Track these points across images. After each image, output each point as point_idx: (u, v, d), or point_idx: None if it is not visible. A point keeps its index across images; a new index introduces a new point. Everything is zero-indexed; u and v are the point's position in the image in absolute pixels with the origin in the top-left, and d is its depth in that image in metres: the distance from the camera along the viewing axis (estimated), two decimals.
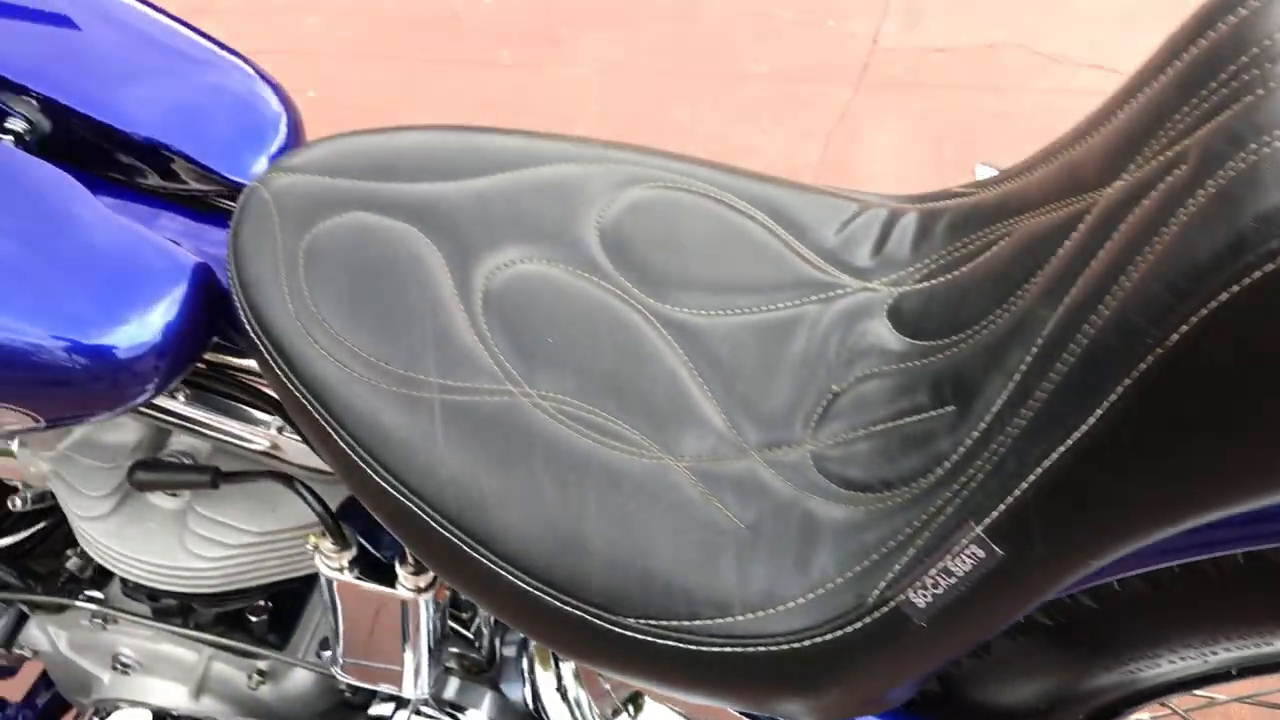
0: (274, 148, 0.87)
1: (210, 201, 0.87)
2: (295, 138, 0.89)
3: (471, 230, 0.78)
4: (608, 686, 0.96)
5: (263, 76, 0.90)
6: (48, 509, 0.98)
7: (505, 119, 2.52)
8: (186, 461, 0.89)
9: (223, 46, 0.92)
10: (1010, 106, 2.31)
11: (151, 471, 0.85)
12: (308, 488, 0.82)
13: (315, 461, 0.87)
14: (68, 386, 0.74)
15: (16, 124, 0.83)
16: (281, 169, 0.79)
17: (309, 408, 0.71)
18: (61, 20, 0.86)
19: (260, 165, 0.86)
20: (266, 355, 0.72)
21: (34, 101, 0.83)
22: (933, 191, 0.85)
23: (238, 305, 0.74)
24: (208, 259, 0.80)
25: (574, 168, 0.82)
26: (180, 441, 0.92)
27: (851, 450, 0.70)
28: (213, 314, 0.79)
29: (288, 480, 0.83)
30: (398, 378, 0.71)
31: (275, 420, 0.86)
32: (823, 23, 2.61)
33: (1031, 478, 0.58)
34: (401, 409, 0.70)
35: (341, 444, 0.70)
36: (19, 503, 0.94)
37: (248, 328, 0.73)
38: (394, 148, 0.82)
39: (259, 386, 0.85)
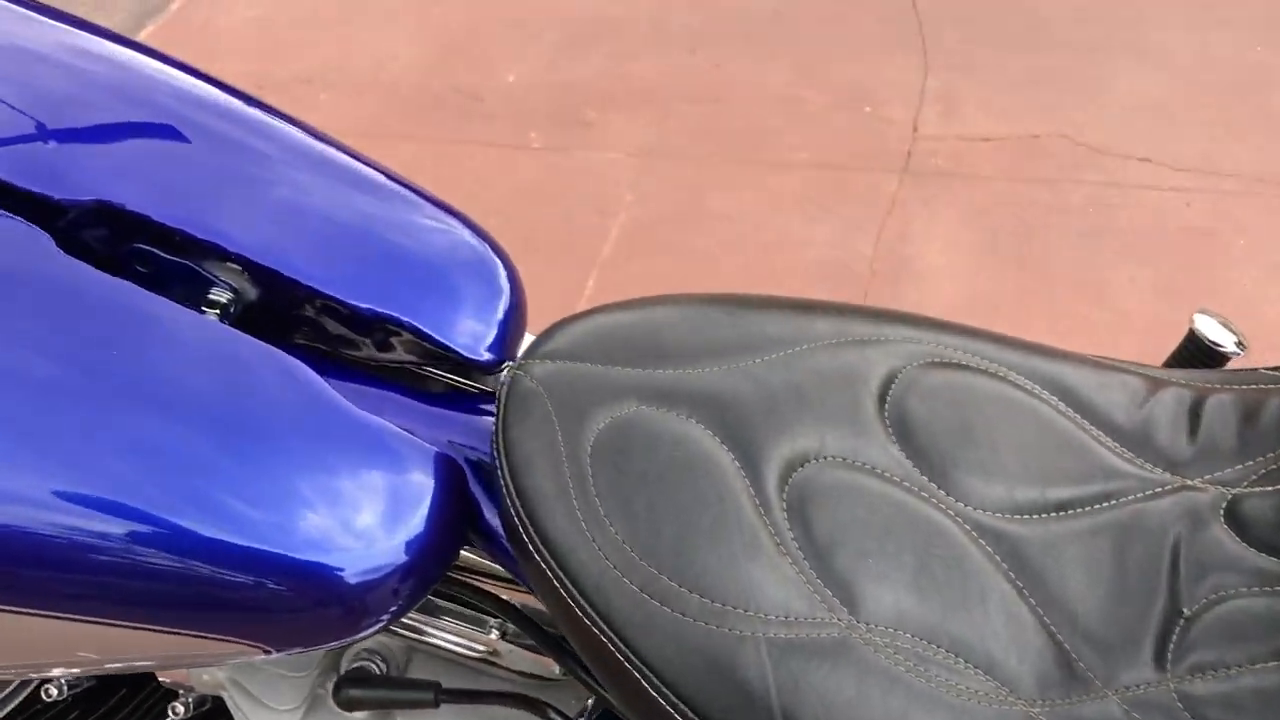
0: (500, 313, 0.77)
1: (424, 373, 0.78)
2: (517, 298, 0.79)
3: (755, 422, 0.69)
4: None
5: (469, 225, 0.81)
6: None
7: (540, 205, 2.44)
8: (381, 667, 0.78)
9: (412, 187, 0.82)
10: (1062, 200, 2.28)
11: (363, 689, 0.74)
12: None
13: (539, 669, 0.77)
14: (300, 615, 0.64)
15: (221, 294, 0.73)
16: (542, 355, 0.70)
17: (610, 647, 0.61)
18: (247, 159, 0.76)
19: (485, 332, 0.76)
20: (556, 582, 0.63)
21: (240, 268, 0.73)
22: (1234, 371, 0.78)
23: (513, 517, 0.64)
24: (444, 448, 0.70)
25: (850, 344, 0.74)
26: (368, 640, 0.81)
27: (1231, 691, 0.62)
28: (462, 520, 0.69)
29: (538, 708, 0.72)
30: (714, 612, 0.61)
31: (495, 622, 0.76)
32: (858, 109, 2.57)
33: None
34: (722, 649, 0.61)
35: (651, 690, 0.60)
36: (180, 710, 0.82)
37: (529, 546, 0.63)
38: (656, 326, 0.73)
39: (478, 585, 0.75)
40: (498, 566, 0.74)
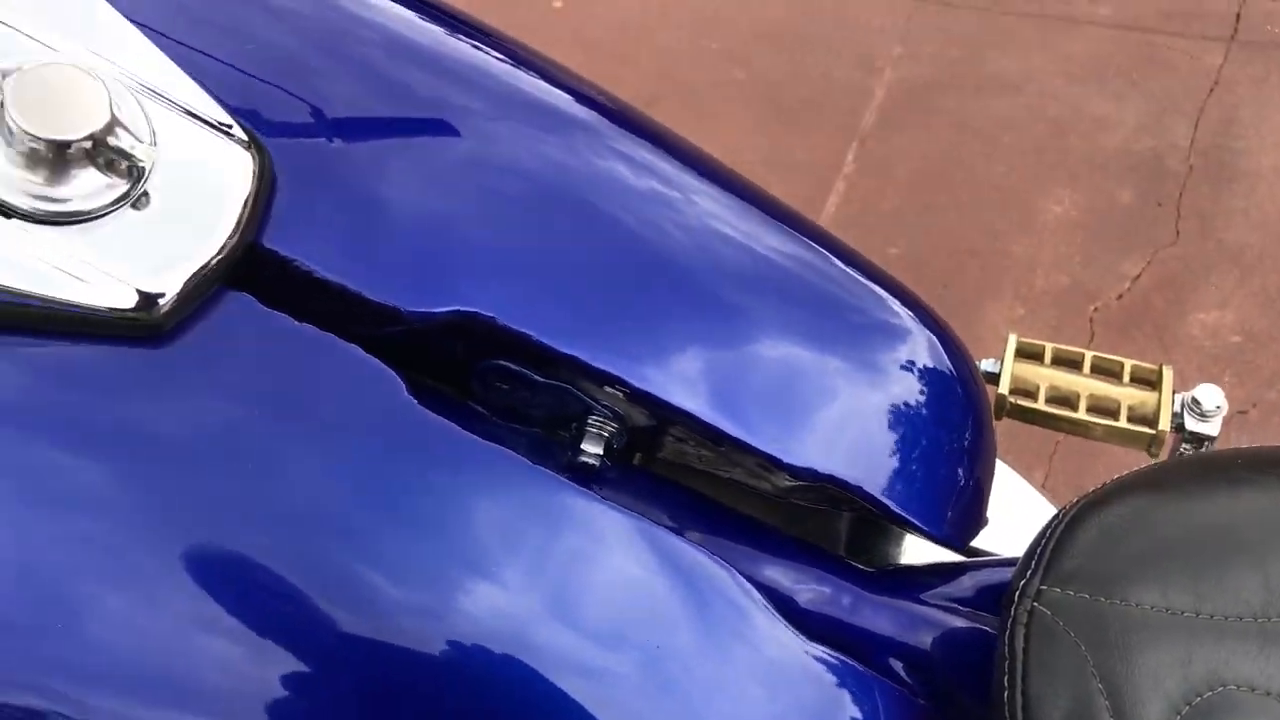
0: (970, 467, 0.56)
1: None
2: (988, 440, 0.58)
3: None
4: None
5: (936, 330, 0.59)
6: None
7: (791, 53, 2.14)
8: None
9: (856, 263, 0.59)
10: None
11: None
12: None
13: None
14: None
15: (604, 425, 0.53)
16: (1067, 577, 0.49)
17: None
18: (640, 234, 0.55)
19: (947, 495, 0.55)
20: None
21: (623, 394, 0.52)
22: None
23: None
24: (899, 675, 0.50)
25: None
26: None
27: None
28: None
29: None
30: None
31: None
32: None
33: None
34: None
35: None
36: None
37: None
38: (1227, 528, 0.50)
39: None
40: None
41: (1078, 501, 0.52)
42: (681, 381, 0.51)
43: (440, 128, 0.55)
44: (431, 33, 0.60)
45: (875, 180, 1.91)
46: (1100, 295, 1.70)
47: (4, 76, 0.44)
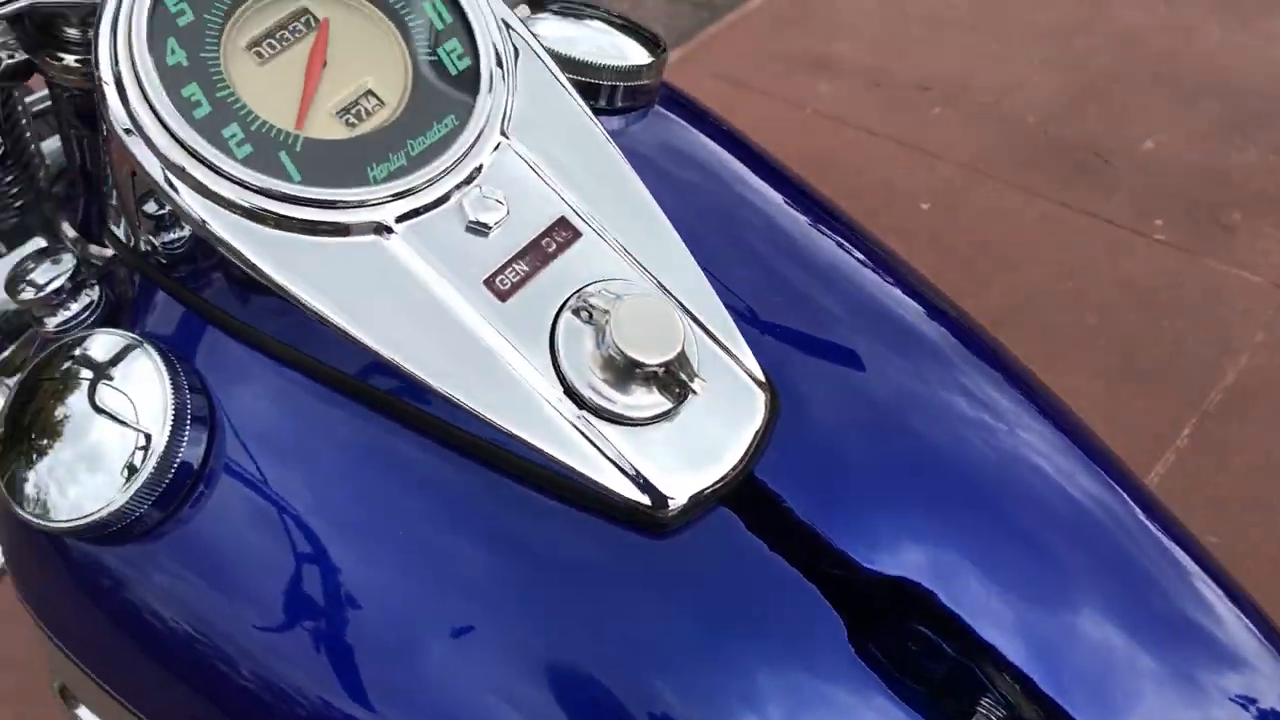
0: None
1: None
2: None
3: None
4: None
5: None
6: None
7: (1148, 314, 2.13)
8: None
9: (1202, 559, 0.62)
10: None
11: None
12: None
13: None
14: None
15: (994, 710, 0.58)
16: None
17: None
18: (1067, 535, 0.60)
19: None
20: None
21: (1018, 686, 0.57)
22: None
23: None
24: None
25: None
26: None
27: None
28: None
29: None
30: None
31: None
32: None
33: None
34: None
35: None
36: None
37: None
38: None
39: None
40: None
41: None
42: (1084, 693, 0.55)
43: (890, 372, 0.62)
44: (855, 263, 0.69)
45: (1208, 460, 1.87)
46: None
47: (618, 298, 0.55)
